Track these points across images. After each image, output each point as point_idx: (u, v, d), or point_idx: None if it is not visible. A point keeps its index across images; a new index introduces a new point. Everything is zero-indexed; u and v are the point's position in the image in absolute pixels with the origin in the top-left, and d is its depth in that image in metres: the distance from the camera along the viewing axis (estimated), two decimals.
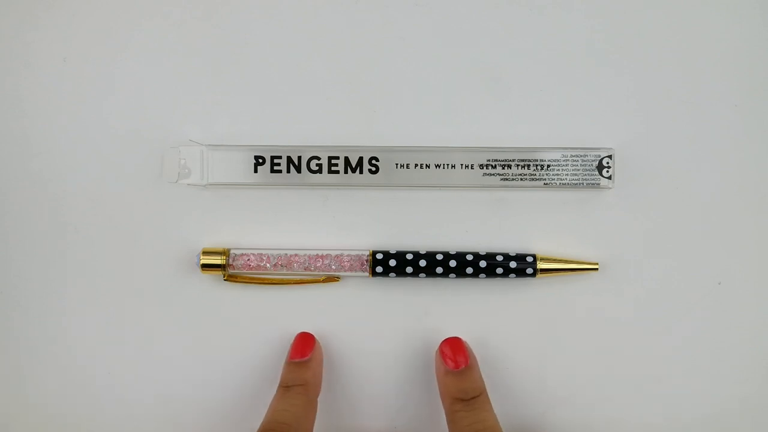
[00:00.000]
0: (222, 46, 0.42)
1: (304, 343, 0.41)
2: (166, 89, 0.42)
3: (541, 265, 0.40)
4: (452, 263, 0.40)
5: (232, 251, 0.41)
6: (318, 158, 0.40)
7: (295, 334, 0.41)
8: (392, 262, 0.40)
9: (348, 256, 0.41)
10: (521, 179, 0.40)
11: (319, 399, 0.40)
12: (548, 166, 0.40)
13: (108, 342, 0.42)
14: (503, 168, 0.40)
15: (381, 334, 0.42)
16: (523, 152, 0.40)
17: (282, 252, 0.41)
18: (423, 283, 0.42)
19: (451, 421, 0.38)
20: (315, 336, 0.41)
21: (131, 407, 0.42)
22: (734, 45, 0.41)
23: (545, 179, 0.40)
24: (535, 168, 0.40)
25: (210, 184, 0.41)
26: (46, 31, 0.42)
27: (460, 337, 0.41)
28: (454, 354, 0.39)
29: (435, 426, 0.42)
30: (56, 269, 0.42)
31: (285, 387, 0.39)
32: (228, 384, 0.42)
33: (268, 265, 0.41)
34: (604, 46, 0.41)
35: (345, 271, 0.41)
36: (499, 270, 0.40)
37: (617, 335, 0.41)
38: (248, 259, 0.41)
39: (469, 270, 0.40)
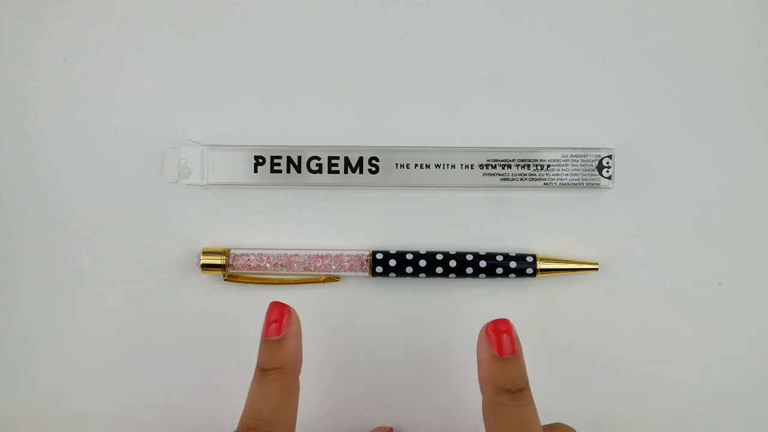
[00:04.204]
0: (222, 46, 0.42)
1: (278, 317, 0.35)
2: (166, 89, 0.42)
3: (541, 265, 0.40)
4: (452, 263, 0.40)
5: (232, 251, 0.41)
6: (318, 158, 0.40)
7: (268, 304, 0.36)
8: (392, 262, 0.40)
9: (348, 256, 0.41)
10: (521, 179, 0.40)
11: (318, 398, 0.39)
12: (548, 166, 0.40)
13: (108, 342, 0.42)
14: (503, 168, 0.40)
15: (381, 334, 0.42)
16: (523, 152, 0.40)
17: (282, 252, 0.41)
18: (423, 283, 0.41)
19: (492, 412, 0.33)
20: (290, 305, 0.35)
21: (131, 407, 0.42)
22: (733, 45, 0.41)
23: (545, 179, 0.40)
24: (535, 168, 0.40)
25: (210, 184, 0.41)
26: (46, 31, 0.42)
27: (508, 319, 0.35)
28: (504, 338, 0.34)
29: (435, 426, 0.42)
30: (56, 269, 0.42)
31: (262, 370, 0.35)
32: (228, 384, 0.42)
33: (268, 265, 0.41)
34: (604, 47, 0.41)
35: (345, 271, 0.41)
36: (499, 270, 0.40)
37: (617, 335, 0.41)
38: (248, 259, 0.41)
39: (469, 270, 0.40)
